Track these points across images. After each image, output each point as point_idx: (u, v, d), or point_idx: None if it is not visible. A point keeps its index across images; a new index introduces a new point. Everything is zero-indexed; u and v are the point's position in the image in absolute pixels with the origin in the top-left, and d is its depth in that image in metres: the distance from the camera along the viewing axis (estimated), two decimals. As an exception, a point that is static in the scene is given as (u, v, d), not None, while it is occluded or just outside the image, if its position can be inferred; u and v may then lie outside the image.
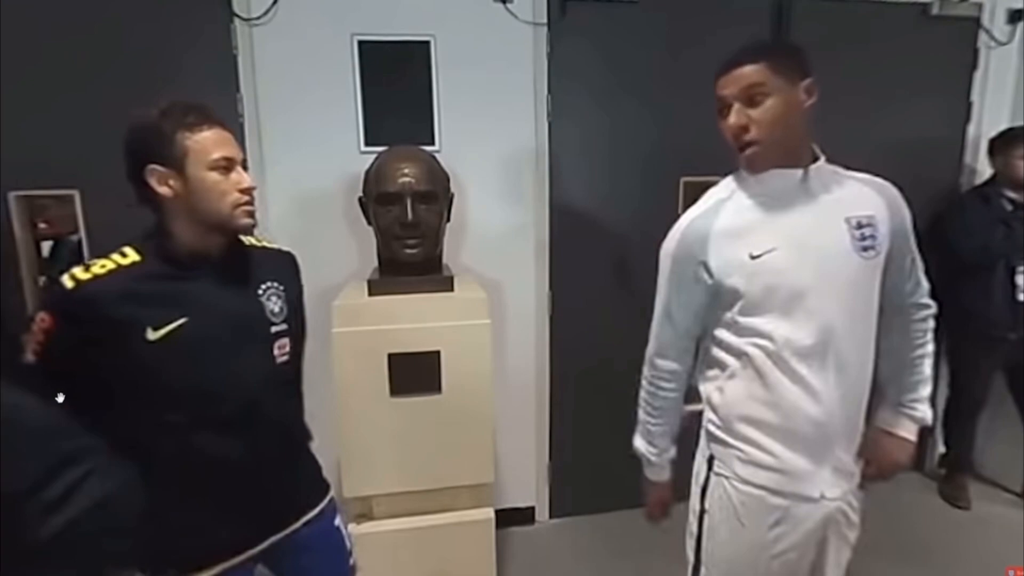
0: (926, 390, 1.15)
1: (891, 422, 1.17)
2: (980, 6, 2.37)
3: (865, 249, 1.01)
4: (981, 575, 2.02)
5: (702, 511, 1.13)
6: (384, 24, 1.96)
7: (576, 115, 2.15)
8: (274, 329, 1.07)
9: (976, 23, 2.38)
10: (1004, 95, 2.47)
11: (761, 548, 1.06)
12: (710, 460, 1.13)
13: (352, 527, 1.65)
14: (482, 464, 1.72)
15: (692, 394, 1.18)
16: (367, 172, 1.74)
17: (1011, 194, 2.22)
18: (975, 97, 2.45)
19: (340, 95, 1.97)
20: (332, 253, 2.03)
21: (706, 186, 1.13)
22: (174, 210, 0.97)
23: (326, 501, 1.20)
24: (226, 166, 0.97)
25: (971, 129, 2.48)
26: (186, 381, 0.97)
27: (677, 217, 1.10)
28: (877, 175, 1.09)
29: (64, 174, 1.84)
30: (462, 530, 1.72)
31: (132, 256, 0.95)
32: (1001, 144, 2.26)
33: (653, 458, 1.20)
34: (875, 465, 1.14)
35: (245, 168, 1.01)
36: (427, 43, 1.99)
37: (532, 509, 2.40)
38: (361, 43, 1.95)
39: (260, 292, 1.07)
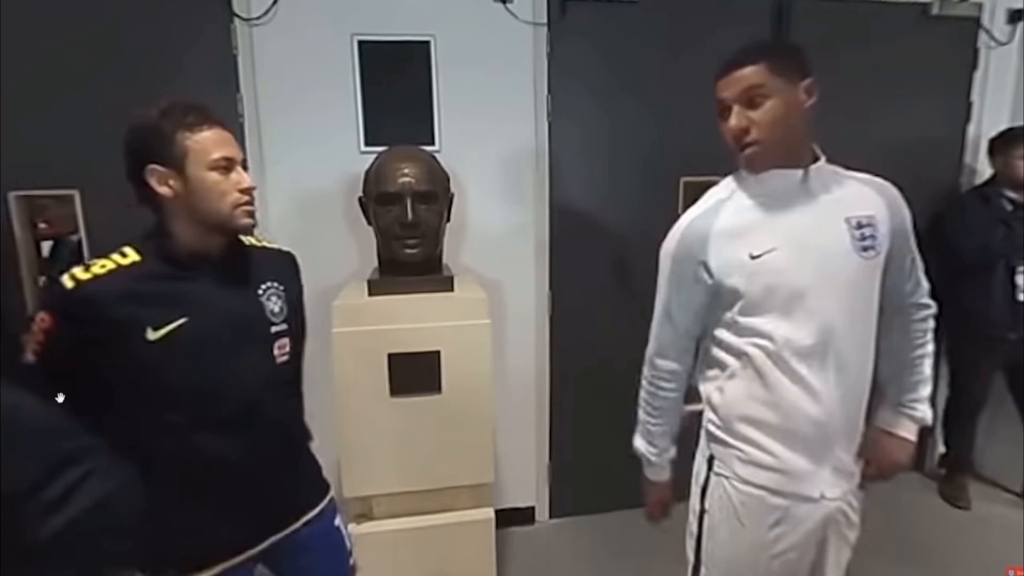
0: (926, 390, 1.15)
1: (891, 422, 1.17)
2: (980, 6, 2.37)
3: (865, 249, 1.01)
4: (981, 575, 2.02)
5: (702, 511, 1.13)
6: (384, 24, 1.96)
7: (576, 115, 2.15)
8: (274, 329, 1.07)
9: (976, 23, 2.38)
10: (1004, 95, 2.47)
11: (761, 548, 1.06)
12: (710, 460, 1.13)
13: (352, 527, 1.65)
14: (482, 464, 1.72)
15: (692, 394, 1.18)
16: (367, 172, 1.75)
17: (1011, 194, 2.22)
18: (975, 97, 2.45)
19: (340, 95, 1.97)
20: (332, 253, 2.03)
21: (706, 186, 1.13)
22: (174, 210, 0.97)
23: (326, 501, 1.20)
24: (226, 166, 0.97)
25: (971, 129, 2.48)
26: (186, 381, 0.97)
27: (677, 217, 1.10)
28: (877, 175, 1.09)
29: (64, 174, 1.84)
30: (462, 530, 1.72)
31: (132, 256, 0.95)
32: (1001, 144, 2.26)
33: (653, 458, 1.20)
34: (875, 465, 1.14)
35: (245, 168, 1.01)
36: (427, 43, 1.99)
37: (532, 509, 2.40)
38: (361, 43, 1.95)
39: (260, 292, 1.07)
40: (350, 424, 1.62)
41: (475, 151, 2.08)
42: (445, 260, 1.87)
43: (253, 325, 1.04)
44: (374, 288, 1.66)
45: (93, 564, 0.69)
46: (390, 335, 1.60)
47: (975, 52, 2.42)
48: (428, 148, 1.89)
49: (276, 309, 1.08)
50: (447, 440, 1.67)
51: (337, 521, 1.22)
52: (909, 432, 1.15)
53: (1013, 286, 2.22)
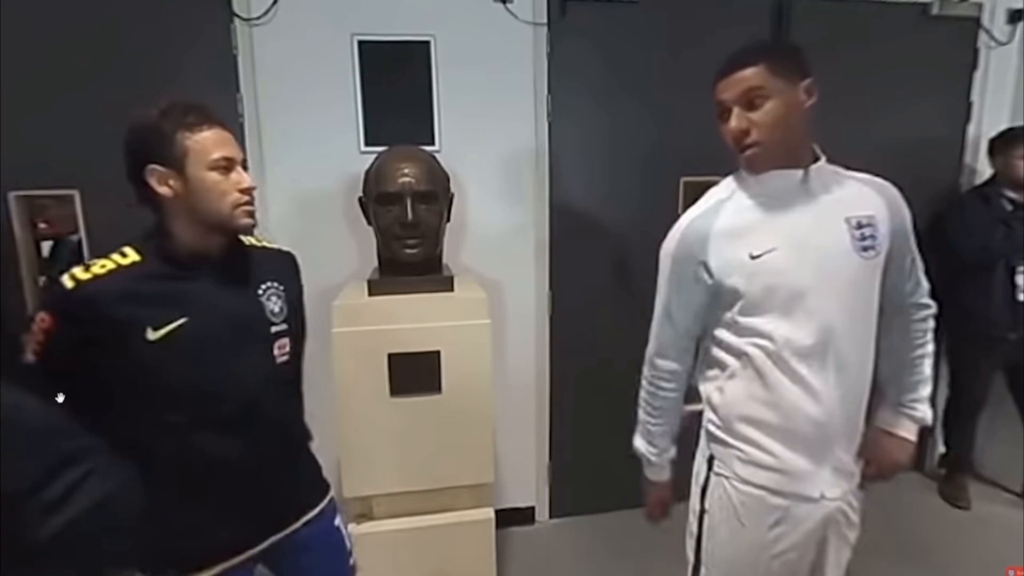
0: (926, 390, 1.15)
1: (891, 422, 1.17)
2: (980, 6, 2.37)
3: (865, 249, 1.01)
4: (981, 575, 2.02)
5: (702, 511, 1.13)
6: (384, 24, 1.96)
7: (576, 115, 2.15)
8: (274, 329, 1.07)
9: (976, 23, 2.38)
10: (1004, 95, 2.47)
11: (761, 548, 1.06)
12: (710, 460, 1.13)
13: (352, 527, 1.65)
14: (482, 464, 1.72)
15: (692, 394, 1.18)
16: (367, 172, 1.75)
17: (1011, 194, 2.22)
18: (975, 97, 2.45)
19: (340, 95, 1.97)
20: (332, 253, 2.03)
21: (706, 186, 1.13)
22: (174, 210, 0.97)
23: (326, 501, 1.20)
24: (226, 166, 0.97)
25: (971, 129, 2.48)
26: (186, 381, 0.97)
27: (677, 217, 1.10)
28: (877, 175, 1.09)
29: (64, 174, 1.84)
30: (462, 530, 1.72)
31: (132, 256, 0.95)
32: (1001, 144, 2.26)
33: (653, 458, 1.20)
34: (875, 465, 1.14)
35: (245, 168, 1.01)
36: (427, 43, 1.99)
37: (532, 509, 2.40)
38: (361, 43, 1.95)
39: (260, 292, 1.07)
40: (350, 424, 1.62)
41: (475, 151, 2.08)
42: (445, 260, 1.87)
43: (253, 325, 1.04)
44: (374, 288, 1.66)
45: (93, 564, 0.69)
46: (390, 335, 1.60)
47: (975, 52, 2.42)
48: (428, 148, 1.89)
49: (276, 309, 1.08)
50: (447, 440, 1.67)
51: (337, 521, 1.22)
52: (909, 432, 1.15)
53: (1013, 286, 2.22)
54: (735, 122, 0.98)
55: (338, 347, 1.58)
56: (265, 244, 1.16)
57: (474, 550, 1.74)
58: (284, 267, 1.16)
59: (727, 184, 1.09)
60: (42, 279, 1.87)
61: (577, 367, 2.30)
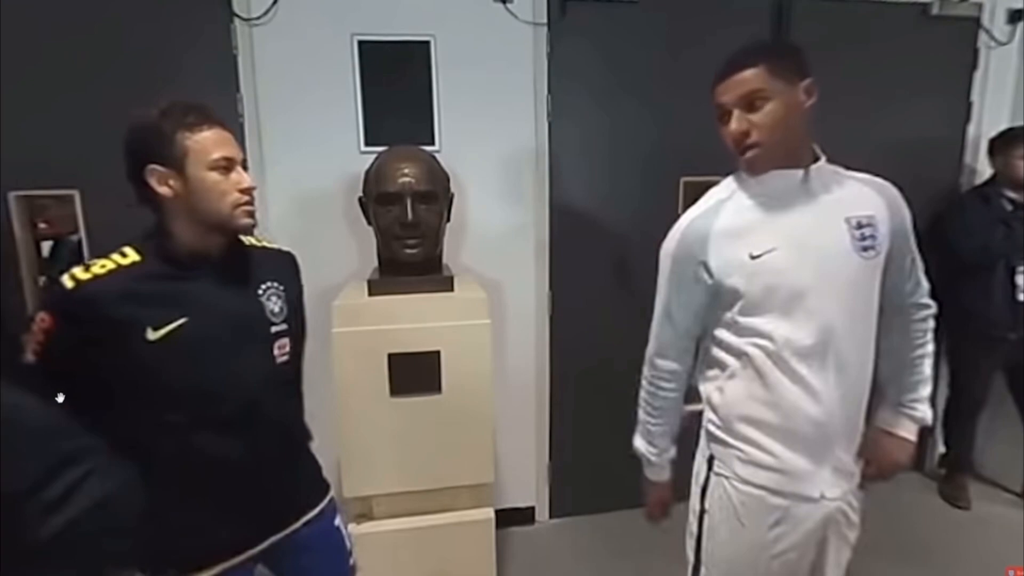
0: (926, 390, 1.15)
1: (891, 422, 1.17)
2: (980, 6, 2.37)
3: (865, 249, 1.01)
4: (981, 575, 2.02)
5: (702, 511, 1.13)
6: (384, 24, 1.96)
7: (576, 115, 2.15)
8: (274, 329, 1.07)
9: (976, 23, 2.38)
10: (1004, 95, 2.47)
11: (761, 548, 1.06)
12: (710, 460, 1.13)
13: (352, 527, 1.65)
14: (482, 464, 1.72)
15: (692, 394, 1.18)
16: (367, 172, 1.74)
17: (1011, 194, 2.22)
18: (975, 97, 2.45)
19: (340, 95, 1.97)
20: (332, 253, 2.03)
21: (706, 186, 1.13)
22: (174, 210, 0.97)
23: (326, 501, 1.20)
24: (226, 166, 0.97)
25: (971, 129, 2.48)
26: (186, 381, 0.97)
27: (677, 217, 1.10)
28: (877, 175, 1.09)
29: (64, 174, 1.84)
30: (462, 530, 1.72)
31: (132, 256, 0.95)
32: (1001, 144, 2.26)
33: (653, 458, 1.20)
34: (875, 465, 1.14)
35: (245, 168, 1.01)
36: (427, 43, 1.99)
37: (532, 509, 2.40)
38: (361, 43, 1.95)
39: (260, 292, 1.07)
40: (350, 424, 1.62)
41: (475, 151, 2.08)
42: (445, 260, 1.87)
43: (253, 325, 1.04)
44: (374, 288, 1.66)
45: (93, 564, 0.69)
46: (390, 335, 1.60)
47: (975, 52, 2.42)
48: (428, 148, 1.89)
49: (276, 309, 1.08)
50: (447, 440, 1.67)
51: (337, 521, 1.22)
52: (909, 432, 1.15)
53: (1013, 286, 2.22)
54: (735, 124, 0.98)
55: (338, 347, 1.58)
56: (265, 244, 1.16)
57: (474, 550, 1.74)
58: (284, 267, 1.16)
59: (727, 184, 1.09)
60: (42, 279, 1.87)
61: (577, 367, 2.30)
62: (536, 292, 2.24)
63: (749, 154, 0.99)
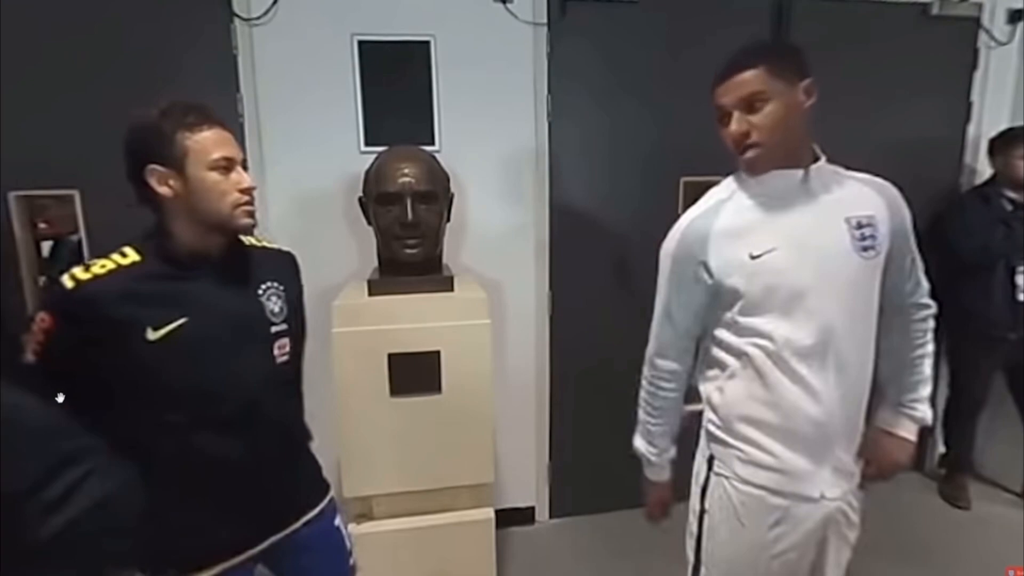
0: (926, 390, 1.15)
1: (891, 422, 1.17)
2: (980, 6, 2.37)
3: (865, 249, 1.01)
4: (981, 575, 2.02)
5: (702, 511, 1.13)
6: (384, 24, 1.96)
7: (576, 115, 2.15)
8: (274, 329, 1.07)
9: (976, 23, 2.38)
10: (1004, 95, 2.47)
11: (761, 548, 1.06)
12: (710, 460, 1.13)
13: (352, 527, 1.65)
14: (482, 464, 1.72)
15: (692, 394, 1.18)
16: (367, 172, 1.74)
17: (1011, 194, 2.22)
18: (975, 97, 2.45)
19: (340, 95, 1.97)
20: (332, 253, 2.03)
21: (706, 186, 1.13)
22: (174, 210, 0.97)
23: (326, 501, 1.20)
24: (226, 166, 0.97)
25: (971, 129, 2.48)
26: (186, 381, 0.97)
27: (677, 217, 1.10)
28: (877, 175, 1.09)
29: (64, 174, 1.84)
30: (462, 530, 1.72)
31: (132, 256, 0.95)
32: (1001, 144, 2.26)
33: (653, 458, 1.20)
34: (875, 465, 1.14)
35: (245, 168, 1.01)
36: (427, 43, 1.99)
37: (532, 509, 2.40)
38: (361, 43, 1.95)
39: (260, 292, 1.07)
40: (350, 424, 1.62)
41: (475, 151, 2.08)
42: (445, 260, 1.87)
43: (253, 325, 1.04)
44: (374, 288, 1.66)
45: (93, 564, 0.69)
46: (390, 335, 1.60)
47: (975, 52, 2.42)
48: (428, 148, 1.89)
49: (276, 309, 1.08)
50: (447, 440, 1.67)
51: (337, 521, 1.22)
52: (909, 432, 1.15)
53: (1013, 286, 2.22)
54: (735, 125, 0.98)
55: (338, 347, 1.58)
56: (265, 244, 1.16)
57: (474, 550, 1.74)
58: (284, 267, 1.16)
59: (727, 184, 1.09)
60: (42, 279, 1.87)
61: (577, 367, 2.30)
62: (536, 292, 2.24)
63: (749, 154, 0.99)
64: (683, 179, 2.23)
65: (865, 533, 1.14)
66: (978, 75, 2.43)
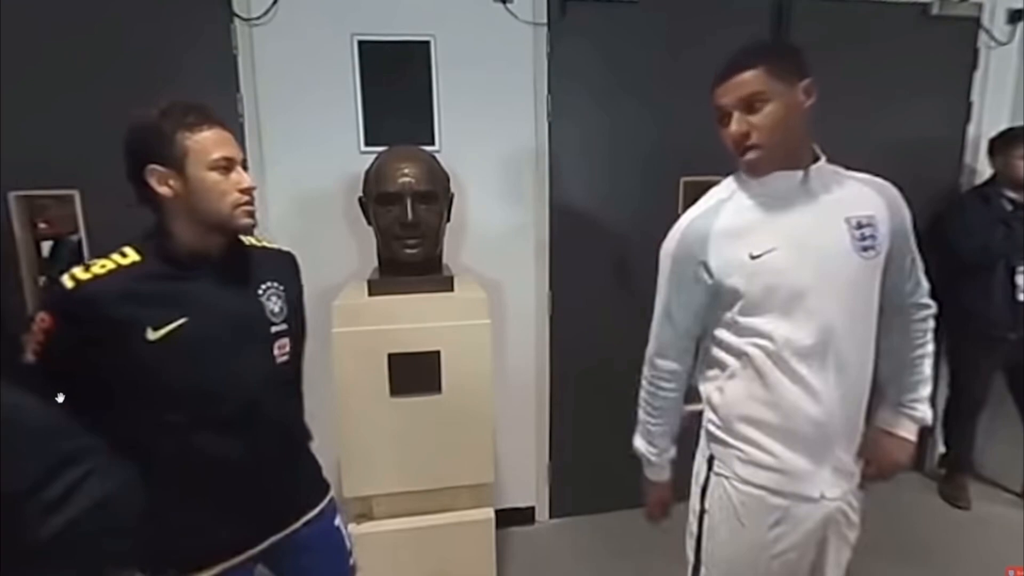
0: (926, 390, 1.15)
1: (891, 422, 1.17)
2: (980, 6, 2.37)
3: (865, 249, 1.01)
4: (981, 575, 2.02)
5: (702, 511, 1.13)
6: (384, 24, 1.96)
7: (576, 115, 2.15)
8: (274, 329, 1.07)
9: (976, 23, 2.38)
10: (1004, 95, 2.47)
11: (761, 548, 1.06)
12: (710, 460, 1.13)
13: (352, 527, 1.65)
14: (482, 464, 1.72)
15: (692, 394, 1.18)
16: (367, 172, 1.74)
17: (1011, 194, 2.22)
18: (975, 97, 2.45)
19: (340, 95, 1.97)
20: (332, 253, 2.03)
21: (706, 186, 1.13)
22: (174, 210, 0.97)
23: (326, 501, 1.20)
24: (226, 166, 0.97)
25: (971, 129, 2.48)
26: (186, 381, 0.97)
27: (677, 217, 1.10)
28: (877, 175, 1.09)
29: (64, 174, 1.84)
30: (462, 530, 1.72)
31: (132, 256, 0.95)
32: (1001, 144, 2.26)
33: (653, 458, 1.20)
34: (875, 465, 1.14)
35: (245, 168, 1.01)
36: (427, 43, 1.99)
37: (532, 509, 2.40)
38: (361, 43, 1.95)
39: (260, 292, 1.07)
40: (350, 424, 1.62)
41: (475, 151, 2.08)
42: (445, 260, 1.87)
43: (253, 325, 1.04)
44: (374, 288, 1.66)
45: (93, 564, 0.69)
46: (390, 335, 1.60)
47: (975, 52, 2.42)
48: (428, 148, 1.89)
49: (276, 309, 1.08)
50: (447, 440, 1.67)
51: (337, 521, 1.22)
52: (909, 432, 1.15)
53: (1013, 286, 2.22)
54: (735, 126, 0.98)
55: (338, 347, 1.58)
56: (265, 244, 1.16)
57: (474, 550, 1.74)
58: (284, 267, 1.16)
59: (727, 184, 1.09)
60: (42, 279, 1.87)
61: (577, 367, 2.30)
62: (536, 292, 2.24)
63: (750, 156, 0.99)
64: (683, 179, 2.23)
65: (865, 533, 1.14)
66: (978, 75, 2.43)
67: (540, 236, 2.20)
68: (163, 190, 0.95)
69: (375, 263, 1.82)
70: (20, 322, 1.00)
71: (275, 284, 1.09)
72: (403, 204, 1.62)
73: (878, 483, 1.15)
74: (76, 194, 1.86)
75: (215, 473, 1.00)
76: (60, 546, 0.63)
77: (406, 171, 1.63)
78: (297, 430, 1.18)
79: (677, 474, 1.22)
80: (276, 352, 1.07)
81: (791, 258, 0.99)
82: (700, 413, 1.16)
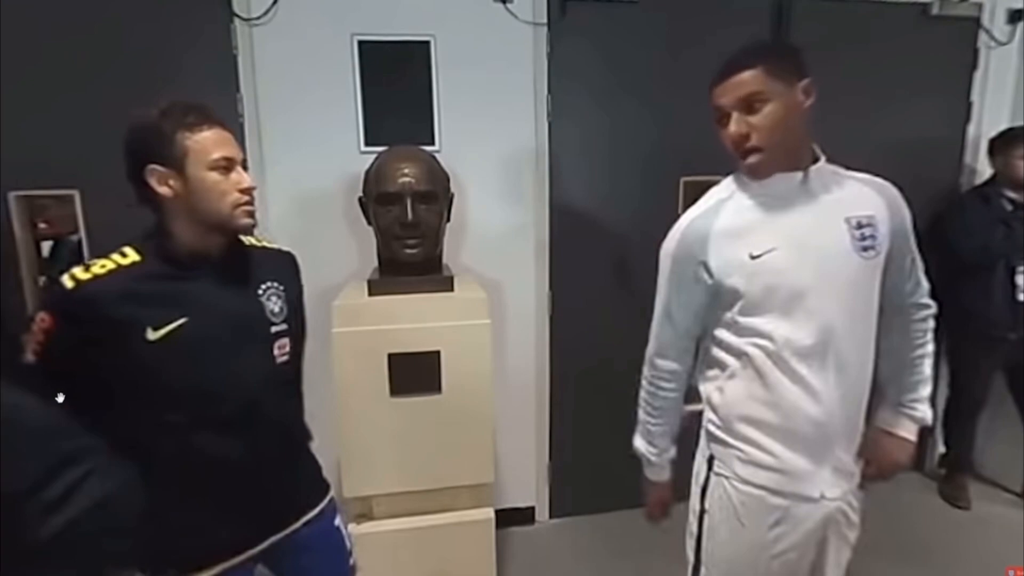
0: (926, 390, 1.15)
1: (891, 422, 1.17)
2: (980, 6, 2.37)
3: (865, 249, 1.01)
4: (981, 575, 2.02)
5: (702, 511, 1.13)
6: (384, 24, 1.96)
7: (576, 115, 2.15)
8: (274, 329, 1.07)
9: (976, 23, 2.38)
10: (1004, 95, 2.47)
11: (761, 548, 1.06)
12: (710, 460, 1.13)
13: (352, 527, 1.65)
14: (482, 464, 1.72)
15: (692, 394, 1.18)
16: (367, 172, 1.75)
17: (1011, 194, 2.22)
18: (975, 97, 2.45)
19: (340, 95, 1.97)
20: (332, 253, 2.03)
21: (706, 186, 1.13)
22: (174, 210, 0.97)
23: (326, 501, 1.20)
24: (226, 166, 0.97)
25: (971, 129, 2.48)
26: (186, 381, 0.97)
27: (677, 217, 1.10)
28: (877, 175, 1.09)
29: (64, 174, 1.84)
30: (462, 530, 1.72)
31: (132, 256, 0.95)
32: (1001, 144, 2.26)
33: (653, 458, 1.20)
34: (875, 465, 1.14)
35: (245, 168, 1.01)
36: (427, 43, 1.99)
37: (532, 509, 2.40)
38: (361, 43, 1.95)
39: (260, 292, 1.07)
40: (350, 424, 1.62)
41: (475, 151, 2.08)
42: (445, 260, 1.87)
43: (253, 325, 1.04)
44: (374, 288, 1.66)
45: (93, 564, 0.69)
46: (390, 335, 1.60)
47: (975, 52, 2.42)
48: (428, 148, 1.89)
49: (276, 309, 1.08)
50: (447, 440, 1.67)
51: (337, 521, 1.22)
52: (909, 432, 1.15)
53: (1013, 286, 2.22)
54: (735, 127, 0.98)
55: (338, 347, 1.58)
56: (265, 244, 1.16)
57: (474, 550, 1.74)
58: (284, 267, 1.16)
59: (727, 184, 1.09)
60: (42, 279, 1.87)
61: (577, 367, 2.30)
62: (536, 292, 2.24)
63: (751, 160, 0.99)
64: (683, 179, 2.23)
65: (865, 533, 1.14)
66: (978, 75, 2.43)
67: (540, 236, 2.20)
68: (163, 190, 0.95)
69: (375, 263, 1.82)
70: (20, 322, 1.00)
71: (275, 284, 1.09)
72: (403, 204, 1.62)
73: (878, 483, 1.15)
74: (76, 194, 1.86)
75: (215, 473, 1.00)
76: (60, 546, 0.63)
77: (406, 171, 1.63)
78: (297, 430, 1.18)
79: (677, 474, 1.22)
80: (276, 352, 1.07)
81: (791, 258, 0.99)
82: (700, 413, 1.16)
